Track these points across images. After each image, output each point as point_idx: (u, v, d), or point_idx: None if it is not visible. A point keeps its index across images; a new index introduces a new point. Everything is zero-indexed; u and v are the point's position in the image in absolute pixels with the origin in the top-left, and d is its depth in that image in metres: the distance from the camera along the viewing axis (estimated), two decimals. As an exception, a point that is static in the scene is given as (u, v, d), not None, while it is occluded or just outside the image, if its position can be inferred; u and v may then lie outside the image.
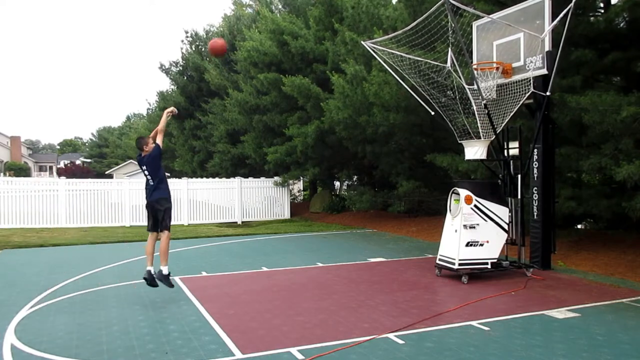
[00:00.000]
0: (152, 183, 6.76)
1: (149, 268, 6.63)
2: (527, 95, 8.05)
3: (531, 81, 8.04)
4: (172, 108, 7.01)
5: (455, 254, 7.63)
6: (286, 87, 16.33)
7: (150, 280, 6.59)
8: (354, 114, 13.58)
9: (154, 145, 6.77)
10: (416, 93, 9.09)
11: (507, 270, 8.17)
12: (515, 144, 8.68)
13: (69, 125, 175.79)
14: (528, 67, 8.07)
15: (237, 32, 24.92)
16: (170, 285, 6.65)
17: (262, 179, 20.10)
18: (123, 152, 61.79)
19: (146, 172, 6.77)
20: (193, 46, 29.68)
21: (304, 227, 16.30)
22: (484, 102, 7.77)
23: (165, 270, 6.58)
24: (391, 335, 5.11)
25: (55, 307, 6.35)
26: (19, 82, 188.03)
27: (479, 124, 8.30)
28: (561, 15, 7.66)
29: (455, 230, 7.73)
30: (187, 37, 29.91)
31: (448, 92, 8.84)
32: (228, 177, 21.39)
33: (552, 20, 7.70)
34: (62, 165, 75.73)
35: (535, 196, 8.47)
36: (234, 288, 7.37)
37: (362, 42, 9.48)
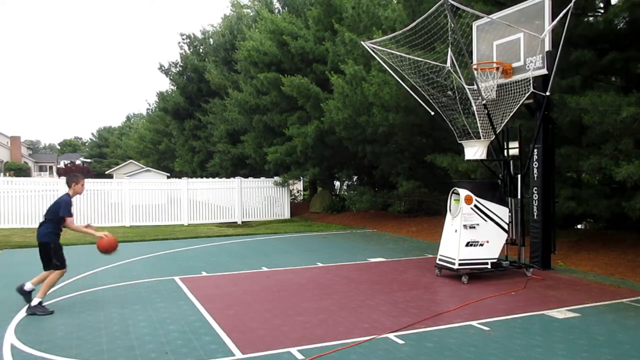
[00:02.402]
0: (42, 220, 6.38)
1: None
2: (527, 95, 8.05)
3: (531, 81, 8.04)
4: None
5: (455, 254, 7.63)
6: (286, 87, 16.33)
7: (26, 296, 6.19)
8: (353, 114, 13.59)
9: (79, 194, 6.50)
10: (416, 93, 9.09)
11: (507, 270, 8.17)
12: (515, 144, 8.68)
13: (69, 125, 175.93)
14: (528, 67, 8.07)
15: (238, 32, 24.94)
16: (48, 312, 6.11)
17: (262, 179, 20.10)
18: (123, 152, 61.82)
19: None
20: (191, 47, 29.71)
21: (304, 227, 16.30)
22: (484, 102, 7.77)
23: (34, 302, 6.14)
24: (391, 335, 5.11)
25: (55, 307, 6.35)
26: (19, 82, 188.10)
27: (478, 124, 8.30)
28: (561, 15, 7.66)
29: (455, 230, 7.73)
30: (183, 39, 29.97)
31: (448, 92, 8.84)
32: (228, 177, 21.40)
33: (552, 21, 7.70)
34: (62, 165, 75.70)
35: (535, 196, 8.47)
36: (234, 288, 7.37)
37: (362, 42, 9.48)
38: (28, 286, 6.15)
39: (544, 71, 7.84)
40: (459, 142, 8.63)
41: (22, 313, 6.10)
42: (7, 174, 47.70)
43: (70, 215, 6.31)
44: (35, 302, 6.12)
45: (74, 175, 6.55)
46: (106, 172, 56.74)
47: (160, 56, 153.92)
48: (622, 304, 6.37)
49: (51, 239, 6.25)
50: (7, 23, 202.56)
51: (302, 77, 16.28)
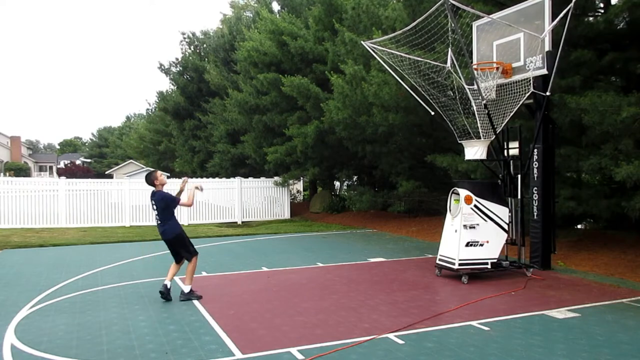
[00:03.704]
0: (159, 222, 6.82)
1: (166, 282, 6.70)
2: (527, 95, 8.06)
3: (531, 81, 8.04)
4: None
5: (455, 254, 7.63)
6: (285, 87, 16.33)
7: (165, 294, 6.64)
8: (353, 114, 13.59)
9: (165, 183, 6.92)
10: (416, 93, 9.09)
11: (507, 270, 8.17)
12: (515, 144, 8.69)
13: (69, 125, 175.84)
14: (528, 67, 8.07)
15: (237, 32, 24.95)
16: (197, 297, 6.73)
17: (262, 179, 20.10)
18: (123, 152, 61.82)
19: (154, 209, 6.83)
20: (191, 47, 29.72)
21: (304, 227, 16.30)
22: (484, 102, 7.77)
23: (186, 290, 6.74)
24: (391, 335, 5.12)
25: (55, 307, 6.35)
26: (19, 82, 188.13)
27: (478, 124, 8.30)
28: (561, 15, 7.66)
29: (455, 230, 7.73)
30: (184, 38, 30.00)
31: (448, 92, 8.84)
32: (228, 177, 21.39)
33: (552, 21, 7.70)
34: (62, 165, 75.66)
35: (535, 196, 8.48)
36: (234, 288, 7.37)
37: (362, 42, 9.48)
38: (169, 284, 6.69)
39: (544, 71, 7.84)
40: (459, 142, 8.63)
41: (22, 313, 6.10)
42: (7, 174, 47.70)
43: (179, 198, 6.84)
44: (187, 289, 6.67)
45: (148, 173, 7.06)
46: (106, 172, 56.78)
47: (160, 56, 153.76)
48: (622, 304, 6.37)
49: (180, 229, 6.84)
50: (7, 23, 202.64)
51: (302, 77, 16.28)
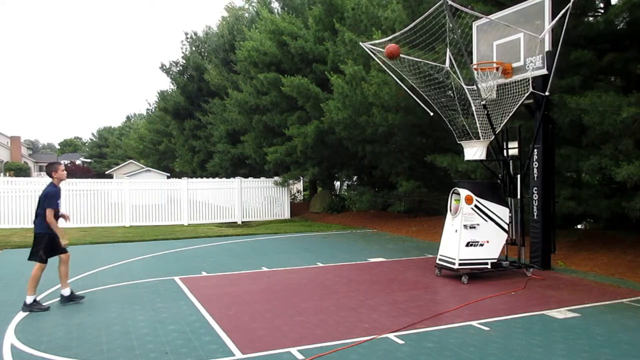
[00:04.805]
0: (35, 214, 6.49)
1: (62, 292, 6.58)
2: (526, 95, 8.05)
3: (530, 81, 8.04)
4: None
5: (455, 254, 7.64)
6: (285, 87, 16.33)
7: (70, 299, 6.52)
8: (353, 114, 13.59)
9: (63, 180, 6.64)
10: (415, 94, 9.09)
11: (507, 270, 8.17)
12: (515, 144, 8.69)
13: (69, 125, 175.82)
14: (528, 67, 8.07)
15: (237, 32, 24.96)
16: (44, 309, 6.28)
17: (262, 179, 20.10)
18: (123, 152, 61.82)
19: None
20: (193, 46, 29.76)
21: (304, 227, 16.31)
22: (483, 102, 7.77)
23: (28, 300, 6.25)
24: (391, 335, 5.12)
25: (56, 307, 6.35)
26: (19, 82, 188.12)
27: (478, 125, 8.30)
28: (559, 15, 7.66)
29: (456, 230, 7.74)
30: (187, 38, 30.07)
31: (448, 93, 8.84)
32: (228, 177, 21.40)
33: (552, 21, 7.70)
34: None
35: (535, 196, 8.48)
36: (234, 288, 7.37)
37: (361, 43, 9.47)
38: (65, 292, 6.50)
39: (544, 71, 7.84)
40: (459, 142, 8.64)
41: (22, 313, 6.11)
42: (7, 174, 47.68)
43: (51, 207, 6.31)
44: (29, 299, 6.23)
45: (50, 163, 6.70)
46: (106, 172, 56.69)
47: (160, 56, 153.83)
48: (622, 304, 6.37)
49: (44, 231, 6.36)
50: (7, 23, 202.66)
51: (302, 77, 16.28)
